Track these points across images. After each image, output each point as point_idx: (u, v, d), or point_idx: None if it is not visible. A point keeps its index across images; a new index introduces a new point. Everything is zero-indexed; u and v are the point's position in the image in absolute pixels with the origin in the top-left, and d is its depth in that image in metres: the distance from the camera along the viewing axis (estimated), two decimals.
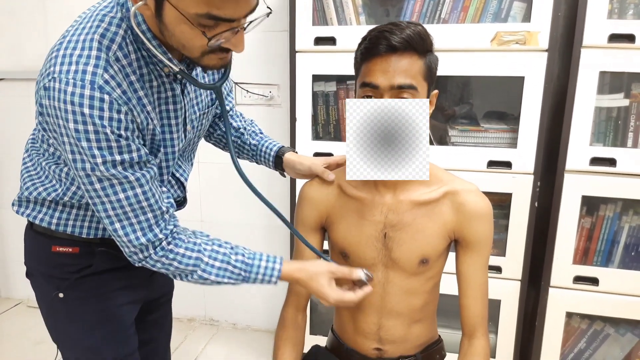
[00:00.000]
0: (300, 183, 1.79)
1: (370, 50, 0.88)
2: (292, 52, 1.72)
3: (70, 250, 1.00)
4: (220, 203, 2.28)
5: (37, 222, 1.00)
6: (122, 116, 0.81)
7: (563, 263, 1.65)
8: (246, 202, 2.20)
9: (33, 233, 1.03)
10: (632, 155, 1.55)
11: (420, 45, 0.87)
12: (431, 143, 1.74)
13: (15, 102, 2.40)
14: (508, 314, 1.74)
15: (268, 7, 0.80)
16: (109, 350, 1.04)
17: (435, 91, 0.96)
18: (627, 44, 1.47)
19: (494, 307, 1.77)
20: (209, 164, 2.24)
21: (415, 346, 1.02)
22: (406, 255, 0.95)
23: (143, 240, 0.88)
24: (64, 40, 0.82)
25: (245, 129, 1.23)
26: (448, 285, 1.74)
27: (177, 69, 0.83)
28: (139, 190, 0.85)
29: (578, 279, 1.65)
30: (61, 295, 1.01)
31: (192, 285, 0.99)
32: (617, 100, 1.58)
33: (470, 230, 0.95)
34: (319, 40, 1.69)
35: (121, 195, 0.84)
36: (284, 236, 2.22)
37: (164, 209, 0.90)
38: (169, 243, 0.90)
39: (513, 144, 1.63)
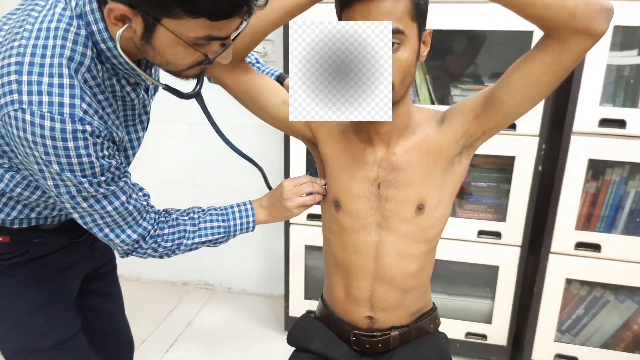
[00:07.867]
0: (294, 148, 1.72)
1: None
2: None
3: (0, 239, 0.93)
4: (212, 166, 2.21)
5: None
6: (104, 140, 0.79)
7: (565, 229, 1.60)
8: (239, 165, 2.13)
9: None
10: None
11: None
12: (432, 102, 1.65)
13: None
14: (506, 281, 1.71)
15: (245, 20, 0.76)
16: (53, 333, 0.99)
17: (429, 30, 0.86)
18: None
19: (492, 273, 1.73)
20: (202, 125, 2.15)
21: (408, 315, 0.97)
22: (401, 204, 0.89)
23: (134, 236, 0.90)
24: (23, 61, 0.73)
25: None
26: (444, 251, 1.72)
27: (163, 85, 0.88)
28: (123, 198, 0.85)
29: (580, 245, 1.61)
30: None
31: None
32: (630, 58, 1.48)
33: (468, 108, 0.87)
34: None
35: (109, 208, 0.84)
36: None
37: (144, 203, 0.92)
38: (155, 230, 0.93)
39: None
